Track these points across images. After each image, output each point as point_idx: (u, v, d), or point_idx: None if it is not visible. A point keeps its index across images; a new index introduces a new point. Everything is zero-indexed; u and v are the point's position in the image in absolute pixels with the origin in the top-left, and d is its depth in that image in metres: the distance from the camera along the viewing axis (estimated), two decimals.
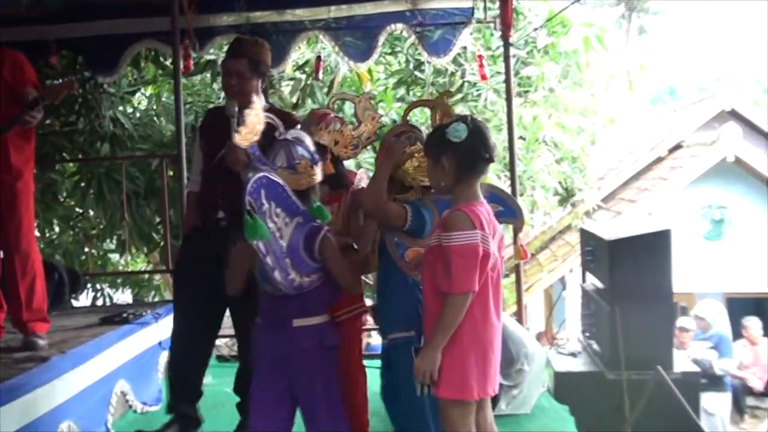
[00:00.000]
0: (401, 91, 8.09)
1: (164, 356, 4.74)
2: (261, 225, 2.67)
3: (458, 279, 2.65)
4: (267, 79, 3.92)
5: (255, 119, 2.83)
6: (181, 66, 5.69)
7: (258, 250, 2.73)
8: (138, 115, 7.79)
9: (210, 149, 3.71)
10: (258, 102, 3.26)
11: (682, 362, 4.83)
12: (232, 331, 4.04)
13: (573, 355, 5.04)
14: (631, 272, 4.54)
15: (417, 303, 3.04)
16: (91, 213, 8.08)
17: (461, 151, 2.79)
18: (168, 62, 6.99)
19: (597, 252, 4.90)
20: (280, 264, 2.79)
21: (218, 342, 5.58)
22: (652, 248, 4.57)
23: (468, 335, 2.71)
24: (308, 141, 3.04)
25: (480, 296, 2.71)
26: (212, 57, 7.18)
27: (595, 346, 4.92)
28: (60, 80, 4.07)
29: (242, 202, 2.80)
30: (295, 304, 2.90)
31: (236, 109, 3.39)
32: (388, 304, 3.25)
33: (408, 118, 3.55)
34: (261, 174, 2.78)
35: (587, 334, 5.20)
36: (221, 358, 5.67)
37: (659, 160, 12.90)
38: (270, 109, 3.56)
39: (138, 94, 8.25)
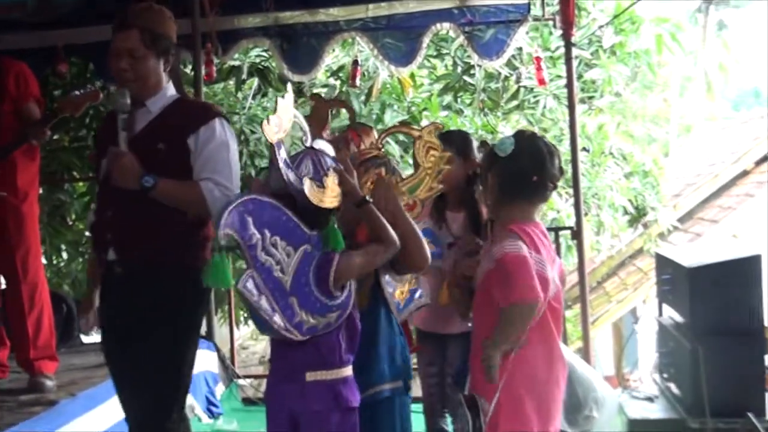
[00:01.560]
0: (448, 98, 8.11)
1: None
2: (223, 269, 2.55)
3: (515, 287, 2.67)
4: (175, 60, 3.29)
5: (286, 110, 2.64)
6: (203, 73, 5.77)
7: (244, 293, 2.52)
8: None
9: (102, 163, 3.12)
10: (168, 89, 3.11)
11: None
12: (258, 371, 4.05)
13: (649, 399, 4.96)
14: (715, 304, 4.45)
15: (403, 349, 3.05)
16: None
17: (505, 167, 2.80)
18: (188, 69, 7.09)
19: (675, 281, 4.82)
20: (282, 305, 2.57)
21: (242, 382, 5.63)
22: (740, 276, 4.48)
23: (529, 366, 2.72)
24: (332, 152, 2.86)
25: (541, 324, 2.71)
26: (237, 63, 7.26)
27: (675, 390, 4.84)
28: (80, 90, 4.04)
29: (149, 236, 2.77)
30: (308, 352, 2.66)
31: (129, 101, 3.02)
32: (375, 352, 3.10)
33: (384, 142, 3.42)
34: (244, 198, 2.56)
35: (665, 376, 5.11)
36: (247, 401, 5.69)
37: (744, 174, 12.71)
38: (184, 100, 3.28)
39: None
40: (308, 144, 2.82)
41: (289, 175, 2.63)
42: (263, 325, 2.61)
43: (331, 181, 2.68)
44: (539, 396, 2.76)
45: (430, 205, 3.67)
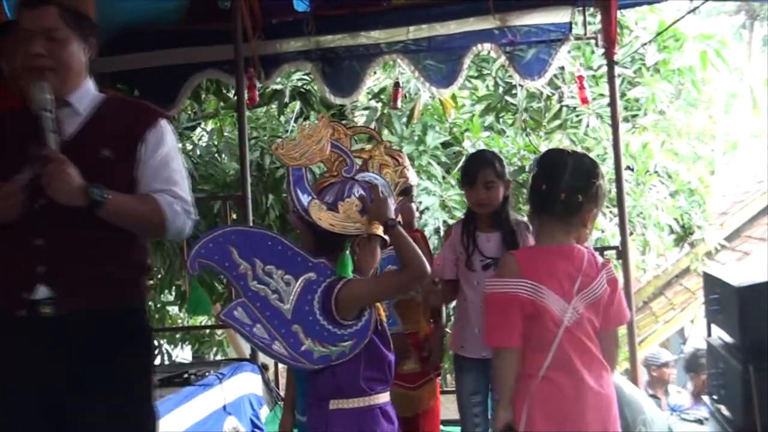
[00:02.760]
0: (490, 118, 8.09)
1: (230, 422, 4.78)
2: (204, 298, 2.52)
3: (488, 331, 2.77)
4: (94, 48, 2.66)
5: (312, 141, 2.63)
6: (246, 97, 5.82)
7: (228, 322, 2.52)
8: (198, 152, 7.99)
9: (5, 173, 2.43)
10: (89, 84, 2.63)
11: None
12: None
13: (699, 422, 4.88)
14: (765, 324, 4.36)
15: None
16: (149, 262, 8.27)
17: (531, 185, 2.83)
18: (231, 94, 7.17)
19: (724, 300, 4.74)
20: (284, 333, 2.55)
21: None
22: None
23: (548, 401, 2.68)
24: (385, 190, 2.77)
25: (557, 356, 2.68)
26: (279, 86, 7.33)
27: (726, 412, 4.74)
28: None
29: (95, 268, 2.42)
30: (327, 380, 2.63)
31: (49, 96, 2.40)
32: None
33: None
34: (224, 229, 2.57)
35: (715, 397, 5.02)
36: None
37: None
38: (116, 98, 2.89)
39: (198, 130, 8.48)
40: (350, 174, 2.79)
41: (301, 199, 2.63)
42: (269, 354, 2.60)
43: (348, 206, 2.64)
44: (552, 415, 2.70)
45: (458, 229, 3.70)
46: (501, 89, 7.91)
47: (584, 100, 6.13)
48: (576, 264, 2.73)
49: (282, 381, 6.24)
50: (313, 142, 2.66)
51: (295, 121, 7.82)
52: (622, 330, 6.09)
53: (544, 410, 2.68)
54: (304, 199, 2.64)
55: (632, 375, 5.23)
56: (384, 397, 2.71)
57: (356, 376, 2.63)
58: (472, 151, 7.53)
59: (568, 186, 2.73)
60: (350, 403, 2.63)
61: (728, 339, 4.85)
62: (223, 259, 2.51)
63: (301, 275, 2.58)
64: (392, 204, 2.73)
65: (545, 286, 2.67)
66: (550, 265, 2.71)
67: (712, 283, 5.02)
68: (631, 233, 7.84)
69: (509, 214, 3.75)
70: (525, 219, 3.68)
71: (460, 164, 4.07)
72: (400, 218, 2.79)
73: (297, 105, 7.70)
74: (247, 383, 5.23)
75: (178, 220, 2.57)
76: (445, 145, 7.72)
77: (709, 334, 5.21)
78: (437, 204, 7.06)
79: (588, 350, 2.73)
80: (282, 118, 7.88)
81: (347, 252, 2.64)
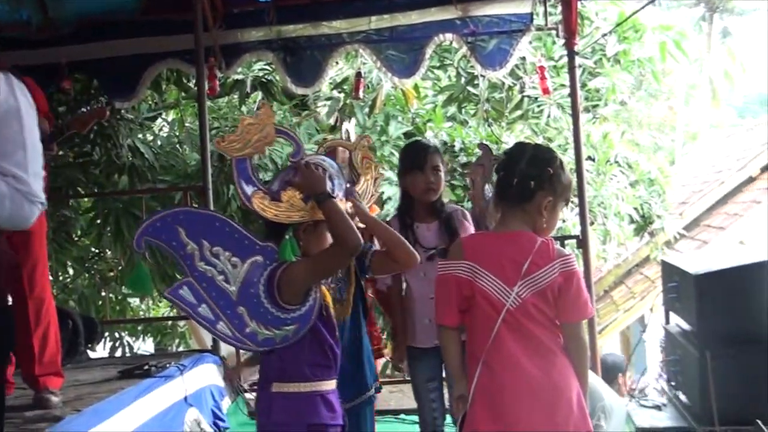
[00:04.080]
0: (452, 109, 8.12)
1: (191, 414, 4.76)
2: (146, 277, 2.55)
3: (435, 310, 2.84)
4: None
5: (255, 129, 2.67)
6: (206, 87, 5.78)
7: (173, 300, 2.57)
8: (159, 143, 7.94)
9: None
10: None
11: None
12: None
13: (657, 408, 4.94)
14: (722, 311, 4.42)
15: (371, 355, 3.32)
16: (109, 253, 8.21)
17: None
18: (192, 84, 7.11)
19: (682, 288, 4.80)
20: (230, 314, 2.59)
21: (248, 396, 5.61)
22: (747, 283, 4.46)
23: (476, 376, 2.72)
24: (329, 169, 2.81)
25: (480, 334, 2.72)
26: (240, 77, 7.28)
27: (683, 398, 4.81)
28: (87, 107, 4.01)
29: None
30: (273, 363, 2.69)
31: None
32: (362, 361, 3.35)
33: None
34: (174, 210, 2.63)
35: (673, 384, 5.08)
36: (254, 415, 5.67)
37: (750, 180, 12.67)
38: None
39: (159, 120, 8.40)
40: (295, 159, 2.82)
41: (245, 190, 2.66)
42: (214, 334, 2.65)
43: (290, 195, 2.68)
44: (489, 400, 2.73)
45: (396, 223, 3.71)
46: (463, 80, 7.93)
47: (545, 91, 6.16)
48: (524, 250, 2.74)
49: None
50: (256, 130, 2.68)
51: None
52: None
53: (483, 397, 2.71)
54: (248, 189, 2.67)
55: (593, 363, 5.27)
56: (328, 385, 2.73)
57: (300, 360, 2.67)
58: (435, 142, 7.57)
59: (521, 172, 2.78)
60: (291, 387, 2.67)
61: (686, 326, 4.91)
62: (170, 239, 2.55)
63: (248, 258, 2.62)
64: (337, 184, 2.78)
65: (484, 268, 2.71)
66: (494, 249, 2.75)
67: (670, 272, 5.08)
68: (592, 223, 7.91)
69: (443, 203, 3.80)
70: (460, 207, 3.85)
71: (401, 154, 4.02)
72: (349, 206, 2.83)
73: (258, 95, 7.66)
74: (208, 375, 5.20)
75: (8, 201, 2.06)
76: (407, 135, 7.72)
77: (667, 322, 5.27)
78: (399, 194, 7.06)
79: (533, 337, 2.73)
80: (243, 109, 7.83)
81: (287, 237, 2.70)
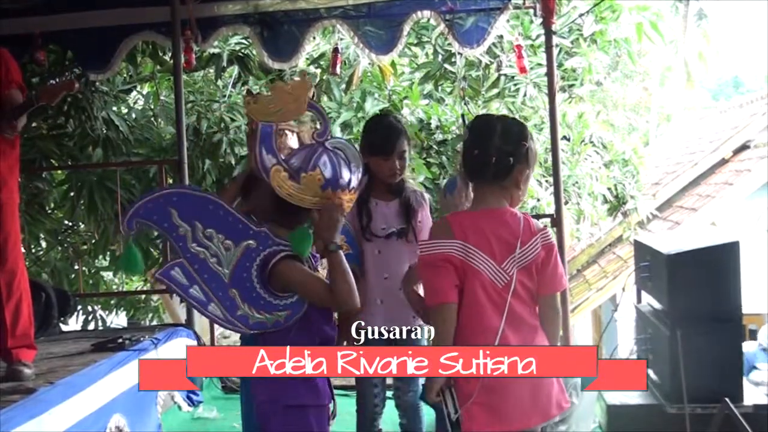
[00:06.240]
0: (429, 86, 8.11)
1: None
2: (136, 257, 2.52)
3: (425, 292, 2.79)
4: None
5: (290, 98, 2.57)
6: (182, 61, 5.73)
7: (165, 281, 2.54)
8: (134, 116, 7.87)
9: None
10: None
11: (753, 394, 4.77)
12: None
13: None
14: (693, 291, 4.47)
15: None
16: (82, 226, 8.16)
17: (463, 151, 2.86)
18: (167, 57, 7.05)
19: (654, 268, 4.84)
20: (221, 296, 2.59)
21: None
22: (718, 263, 4.51)
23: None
24: (352, 159, 2.75)
25: (471, 315, 2.71)
26: (216, 50, 7.23)
27: (653, 376, 4.87)
28: (56, 79, 3.98)
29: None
30: (260, 346, 2.62)
31: None
32: None
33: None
34: (165, 190, 2.60)
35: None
36: (227, 389, 5.68)
37: (723, 162, 12.79)
38: None
39: (134, 93, 8.34)
40: (322, 138, 2.73)
41: (264, 159, 2.58)
42: (205, 315, 2.62)
43: (310, 179, 2.61)
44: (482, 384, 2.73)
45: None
46: (440, 57, 7.89)
47: (522, 70, 6.16)
48: (510, 227, 2.75)
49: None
50: (291, 99, 2.60)
51: (233, 86, 7.73)
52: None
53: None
54: (268, 160, 2.59)
55: (565, 341, 5.31)
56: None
57: (298, 343, 2.60)
58: (411, 119, 7.56)
59: (498, 149, 2.74)
60: None
61: (657, 305, 4.96)
62: (162, 220, 2.52)
63: (242, 242, 2.60)
64: (355, 175, 2.73)
65: (476, 247, 2.70)
66: (482, 228, 2.73)
67: (642, 251, 5.12)
68: (566, 202, 7.95)
69: (404, 180, 3.69)
70: (419, 188, 3.78)
71: (366, 131, 3.87)
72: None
73: (235, 69, 7.61)
74: (182, 348, 5.20)
75: None
76: (384, 112, 7.70)
77: (639, 301, 5.32)
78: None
79: (517, 315, 2.75)
80: (219, 83, 7.78)
81: (310, 231, 2.63)
